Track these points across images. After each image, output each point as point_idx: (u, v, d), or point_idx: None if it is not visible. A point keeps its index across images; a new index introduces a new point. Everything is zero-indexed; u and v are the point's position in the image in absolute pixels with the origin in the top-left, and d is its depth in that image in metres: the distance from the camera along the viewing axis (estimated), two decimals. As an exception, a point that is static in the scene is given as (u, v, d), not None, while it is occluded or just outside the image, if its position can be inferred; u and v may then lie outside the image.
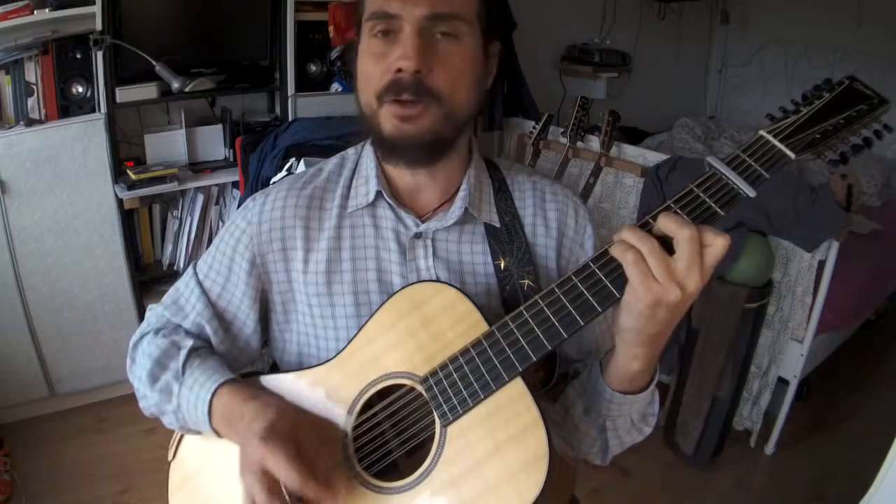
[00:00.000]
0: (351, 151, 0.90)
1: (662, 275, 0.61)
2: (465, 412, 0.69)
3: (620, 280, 0.64)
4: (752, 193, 0.64)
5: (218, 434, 0.78)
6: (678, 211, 0.64)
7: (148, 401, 0.84)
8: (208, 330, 0.86)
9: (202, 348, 0.85)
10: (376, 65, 0.74)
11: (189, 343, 0.83)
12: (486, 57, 0.79)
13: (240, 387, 0.78)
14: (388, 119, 0.75)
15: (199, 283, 0.87)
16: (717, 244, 0.61)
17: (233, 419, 0.75)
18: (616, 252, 0.64)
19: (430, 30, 0.72)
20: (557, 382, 0.85)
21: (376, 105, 0.75)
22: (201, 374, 0.80)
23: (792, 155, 0.66)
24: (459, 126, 0.79)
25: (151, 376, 0.82)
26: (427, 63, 0.72)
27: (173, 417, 0.82)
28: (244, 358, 0.90)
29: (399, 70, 0.72)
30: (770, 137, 0.67)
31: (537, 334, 0.67)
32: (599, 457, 0.83)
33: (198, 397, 0.78)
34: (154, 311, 0.91)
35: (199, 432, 0.84)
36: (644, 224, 0.65)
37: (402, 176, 0.83)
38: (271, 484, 0.68)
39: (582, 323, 0.66)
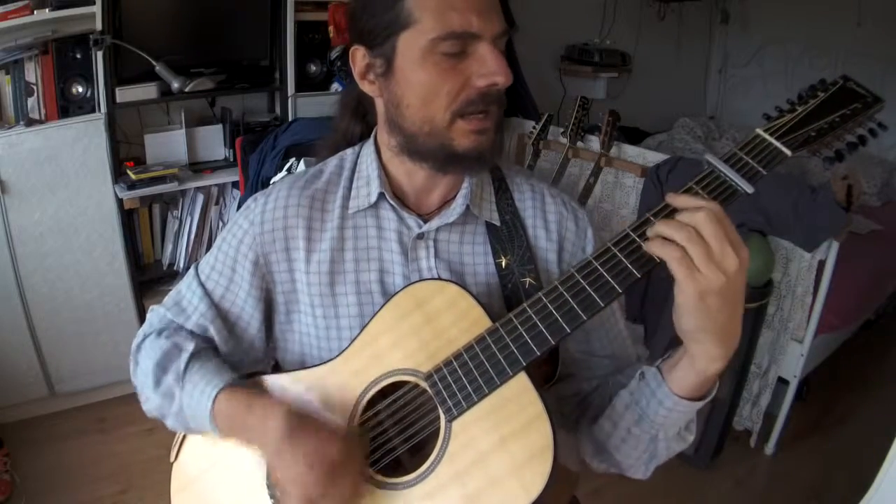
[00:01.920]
0: (349, 152, 0.89)
1: (703, 262, 0.60)
2: (469, 407, 0.70)
3: (621, 275, 0.65)
4: (749, 190, 0.66)
5: (219, 433, 0.78)
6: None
7: (151, 403, 0.84)
8: (212, 331, 0.86)
9: (203, 350, 0.85)
10: (448, 81, 0.72)
11: (191, 347, 0.83)
12: None
13: (239, 392, 0.78)
14: (465, 135, 0.75)
15: (202, 285, 0.87)
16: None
17: (235, 423, 0.76)
18: (656, 248, 0.63)
19: (496, 45, 0.73)
20: (560, 379, 0.85)
21: (448, 121, 0.74)
22: (200, 379, 0.80)
23: (788, 152, 0.68)
24: None
25: (154, 379, 0.82)
26: None
27: (176, 420, 0.83)
28: (249, 358, 0.90)
29: (492, 85, 0.72)
30: (766, 135, 0.69)
31: (540, 329, 0.68)
32: (642, 470, 0.80)
33: (199, 403, 0.78)
34: (156, 312, 0.90)
35: (199, 433, 0.84)
36: (645, 221, 0.66)
37: (415, 177, 0.82)
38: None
39: (585, 318, 0.66)
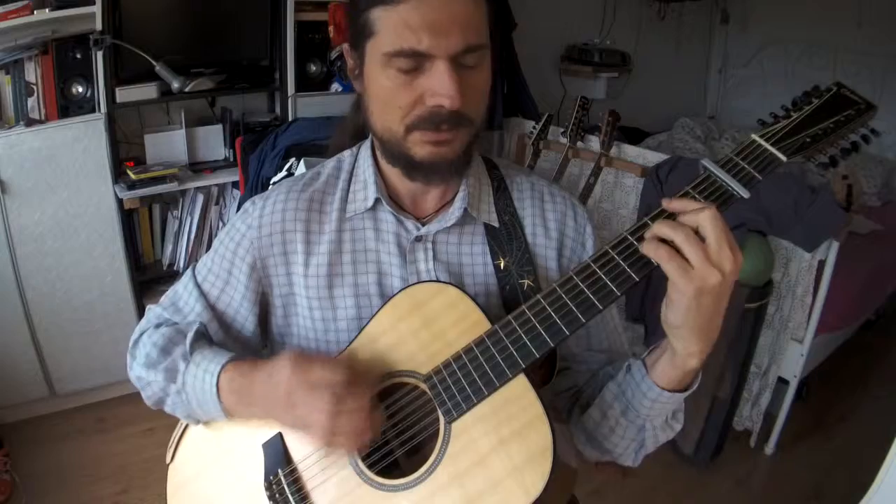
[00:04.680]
0: (347, 154, 0.90)
1: (699, 260, 0.61)
2: (469, 409, 0.70)
3: (620, 279, 0.66)
4: (745, 195, 0.67)
5: (223, 410, 0.78)
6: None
7: (152, 386, 0.84)
8: (208, 331, 0.86)
9: (206, 335, 0.86)
10: (401, 95, 0.72)
11: (194, 328, 0.84)
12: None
13: (246, 363, 0.79)
14: (422, 146, 0.74)
15: (198, 286, 0.88)
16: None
17: (242, 390, 0.77)
18: (649, 250, 0.64)
19: (460, 62, 0.71)
20: (559, 373, 0.85)
21: (403, 132, 0.74)
22: (209, 352, 0.81)
23: (783, 158, 0.69)
24: (477, 137, 0.79)
25: (156, 361, 0.83)
26: (462, 95, 0.71)
27: (177, 398, 0.82)
28: None
29: (438, 106, 0.71)
30: (762, 141, 0.70)
31: (539, 332, 0.68)
32: (632, 458, 0.81)
33: (206, 371, 0.79)
34: (153, 311, 0.91)
35: (197, 421, 0.84)
36: (643, 225, 0.67)
37: (404, 182, 0.82)
38: (331, 391, 0.69)
39: (583, 321, 0.67)
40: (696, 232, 0.63)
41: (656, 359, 0.72)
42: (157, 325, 0.88)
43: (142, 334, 0.88)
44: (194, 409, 0.82)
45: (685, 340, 0.66)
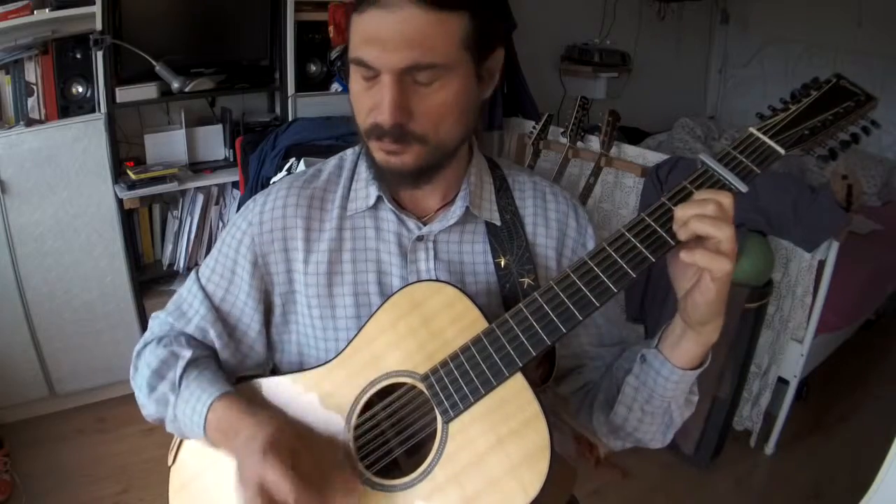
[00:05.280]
0: (349, 153, 0.90)
1: (729, 246, 0.63)
2: (466, 408, 0.70)
3: (617, 275, 0.66)
4: (744, 189, 0.66)
5: (210, 443, 0.78)
6: (672, 207, 0.66)
7: (147, 409, 0.85)
8: (212, 334, 0.85)
9: (201, 358, 0.84)
10: (362, 100, 0.74)
11: (188, 354, 0.82)
12: (480, 78, 0.77)
13: (235, 401, 0.77)
14: (377, 150, 0.76)
15: (202, 288, 0.87)
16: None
17: (228, 434, 0.75)
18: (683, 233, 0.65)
19: (410, 77, 0.70)
20: (567, 374, 0.86)
21: (364, 136, 0.77)
22: (197, 388, 0.79)
23: (781, 151, 0.68)
24: (449, 152, 0.78)
25: (149, 387, 0.83)
26: (406, 113, 0.71)
27: (172, 426, 0.83)
28: (250, 362, 0.89)
29: (374, 120, 0.72)
30: (760, 134, 0.69)
31: (536, 330, 0.68)
32: (660, 439, 0.82)
33: (193, 410, 0.78)
34: (158, 319, 0.90)
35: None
36: (640, 221, 0.67)
37: None
38: (270, 499, 0.66)
39: (580, 318, 0.67)
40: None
41: (675, 344, 0.72)
42: (160, 338, 0.87)
43: (145, 346, 0.88)
44: (188, 436, 0.83)
45: (717, 322, 0.68)
